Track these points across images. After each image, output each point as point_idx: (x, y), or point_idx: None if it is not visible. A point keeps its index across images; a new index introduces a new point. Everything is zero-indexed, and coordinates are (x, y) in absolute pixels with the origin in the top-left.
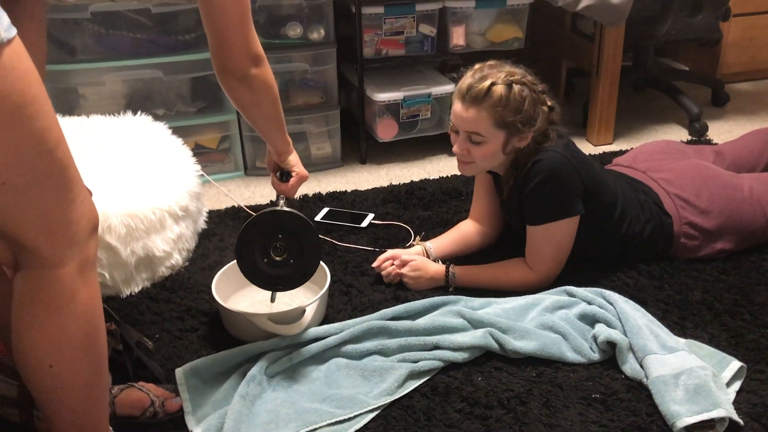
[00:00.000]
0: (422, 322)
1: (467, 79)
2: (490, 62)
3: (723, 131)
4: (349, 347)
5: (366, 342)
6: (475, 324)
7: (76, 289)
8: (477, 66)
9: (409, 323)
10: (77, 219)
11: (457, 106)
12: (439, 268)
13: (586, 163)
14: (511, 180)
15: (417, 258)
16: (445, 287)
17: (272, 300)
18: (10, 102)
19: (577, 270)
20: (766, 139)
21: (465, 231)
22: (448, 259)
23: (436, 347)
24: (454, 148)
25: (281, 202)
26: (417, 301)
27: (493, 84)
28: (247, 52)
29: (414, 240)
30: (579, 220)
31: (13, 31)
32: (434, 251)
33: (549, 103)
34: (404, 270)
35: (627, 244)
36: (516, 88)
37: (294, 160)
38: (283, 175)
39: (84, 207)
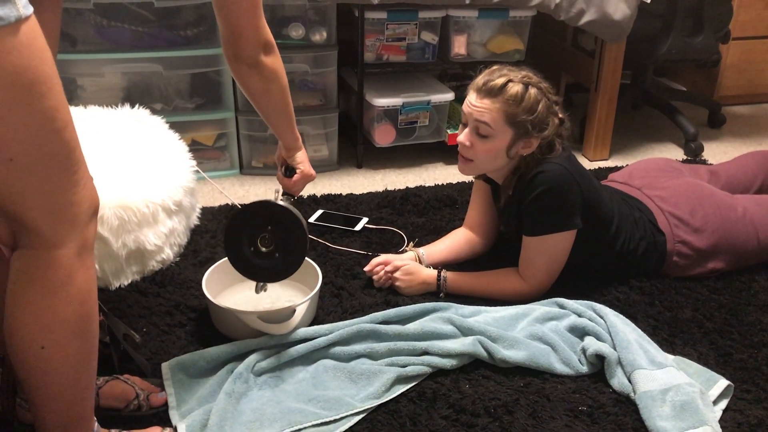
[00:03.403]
0: (412, 327)
1: (484, 75)
2: (508, 65)
3: (718, 152)
4: (338, 349)
5: (355, 345)
6: (465, 331)
7: (74, 272)
8: (495, 66)
9: (399, 328)
10: (79, 201)
11: (471, 97)
12: (430, 273)
13: (586, 177)
14: (510, 189)
15: (409, 263)
16: (436, 293)
17: (257, 291)
18: (24, 78)
19: (569, 283)
20: (761, 162)
21: (458, 239)
22: (441, 266)
23: (425, 353)
24: (460, 138)
25: (278, 195)
26: (407, 306)
27: (510, 81)
28: (258, 40)
29: (407, 246)
30: (575, 235)
31: (31, 9)
32: (427, 258)
33: (560, 116)
34: (396, 274)
35: (620, 261)
36: (532, 90)
37: (301, 157)
38: (288, 170)
39: (86, 190)
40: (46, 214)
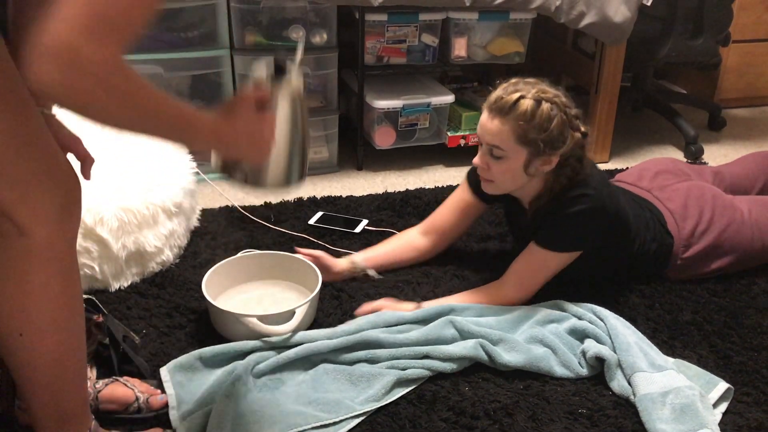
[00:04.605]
0: (414, 333)
1: (498, 90)
2: (527, 79)
3: (718, 155)
4: (338, 352)
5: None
6: (466, 335)
7: (48, 260)
8: (513, 80)
9: (402, 330)
10: (48, 190)
11: (483, 116)
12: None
13: (615, 197)
14: (537, 208)
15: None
16: None
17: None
18: None
19: (569, 285)
20: (762, 163)
21: (403, 244)
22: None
23: (426, 356)
24: (475, 160)
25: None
26: (420, 310)
27: (521, 97)
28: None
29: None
30: (600, 243)
31: None
32: (364, 263)
33: (582, 129)
34: None
35: (633, 262)
36: (545, 105)
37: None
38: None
39: (56, 180)
40: (15, 204)
